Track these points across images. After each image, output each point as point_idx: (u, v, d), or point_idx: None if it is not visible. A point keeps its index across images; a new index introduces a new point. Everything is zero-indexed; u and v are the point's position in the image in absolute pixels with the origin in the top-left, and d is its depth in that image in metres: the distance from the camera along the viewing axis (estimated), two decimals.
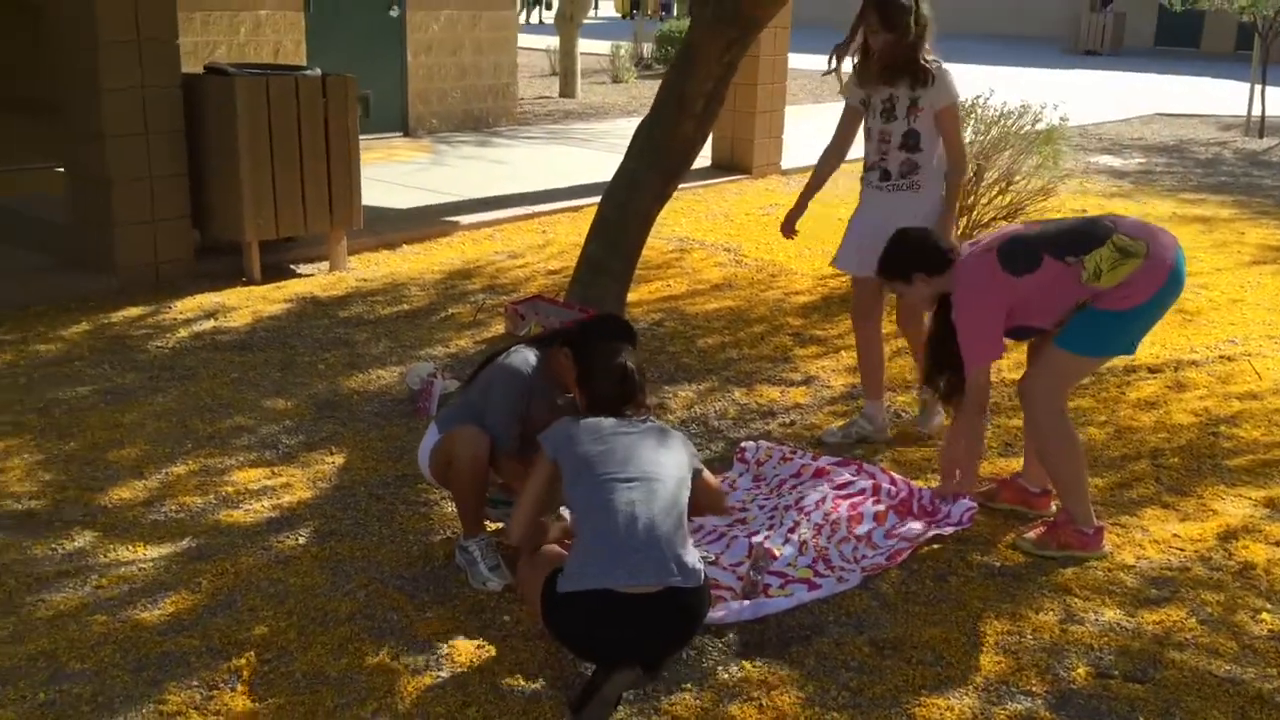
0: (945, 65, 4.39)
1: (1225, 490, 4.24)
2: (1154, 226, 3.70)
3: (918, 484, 4.17)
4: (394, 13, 11.57)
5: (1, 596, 3.37)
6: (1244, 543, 3.85)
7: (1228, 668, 3.17)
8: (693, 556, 2.98)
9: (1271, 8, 13.89)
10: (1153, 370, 5.49)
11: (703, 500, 3.27)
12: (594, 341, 3.45)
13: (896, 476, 4.21)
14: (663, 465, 3.09)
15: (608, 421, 3.20)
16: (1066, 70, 24.22)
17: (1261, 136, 14.24)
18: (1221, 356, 5.69)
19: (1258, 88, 14.37)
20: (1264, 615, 3.43)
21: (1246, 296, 6.78)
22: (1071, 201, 9.56)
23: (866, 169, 4.58)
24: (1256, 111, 14.46)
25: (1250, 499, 4.17)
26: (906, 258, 3.84)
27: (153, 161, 6.36)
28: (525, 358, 3.60)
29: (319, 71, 6.94)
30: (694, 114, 5.63)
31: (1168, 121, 15.94)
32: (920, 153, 4.41)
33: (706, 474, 3.31)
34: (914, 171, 4.43)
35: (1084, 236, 3.59)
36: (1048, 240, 3.63)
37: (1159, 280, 3.54)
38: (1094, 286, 3.54)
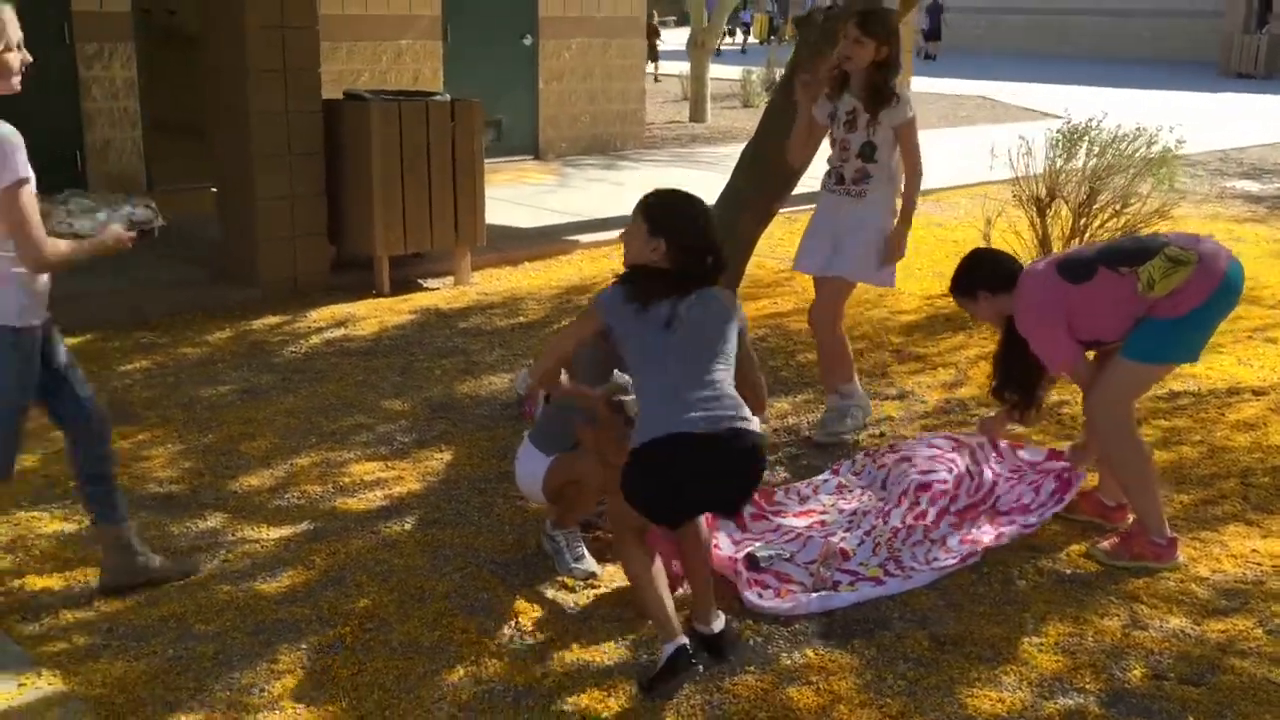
0: (906, 90, 4.72)
1: None
2: (1207, 238, 3.78)
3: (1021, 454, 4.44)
4: (527, 41, 12.05)
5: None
6: None
7: None
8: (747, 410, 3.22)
9: None
10: (1257, 393, 5.44)
11: (744, 365, 3.40)
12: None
13: (995, 449, 4.47)
14: (713, 324, 3.27)
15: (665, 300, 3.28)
16: (1216, 94, 23.49)
17: None
18: None
19: None
20: None
21: None
22: (1202, 225, 9.41)
23: (826, 173, 4.82)
24: None
25: None
26: (972, 275, 3.99)
27: (294, 181, 6.85)
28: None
29: (448, 97, 7.36)
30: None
31: None
32: (874, 164, 4.65)
33: (747, 339, 3.47)
34: (864, 180, 4.68)
35: (1138, 250, 3.71)
36: (1102, 253, 3.78)
37: (1211, 285, 3.62)
38: (1149, 296, 3.63)
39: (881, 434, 5.01)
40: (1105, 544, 3.90)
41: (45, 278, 3.29)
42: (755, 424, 3.22)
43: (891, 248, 4.73)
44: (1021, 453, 4.50)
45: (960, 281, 4.03)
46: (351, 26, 10.63)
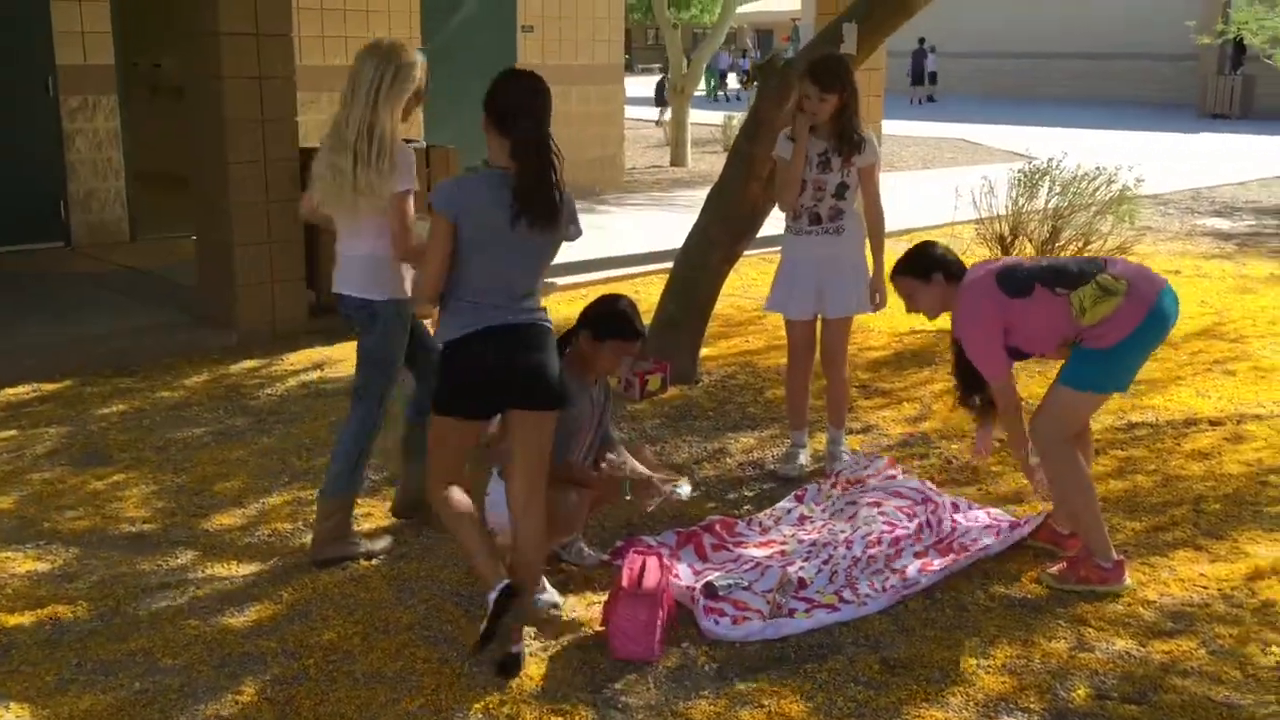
0: (870, 131, 4.96)
1: (1262, 535, 4.33)
2: (1145, 269, 3.90)
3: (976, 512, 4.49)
4: None
5: (110, 604, 3.83)
6: (1269, 583, 3.95)
7: (1227, 694, 3.29)
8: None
9: None
10: (1214, 423, 5.56)
11: None
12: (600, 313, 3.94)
13: (950, 502, 4.54)
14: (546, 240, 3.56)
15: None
16: (1192, 134, 23.85)
17: None
18: None
19: None
20: (1275, 648, 3.53)
21: None
22: (1169, 263, 9.58)
23: (794, 216, 4.94)
24: None
25: None
26: (931, 259, 4.08)
27: (272, 228, 6.97)
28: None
29: (424, 143, 7.51)
30: (760, 178, 5.97)
31: None
32: (846, 201, 4.89)
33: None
34: (839, 216, 4.89)
35: (1078, 273, 3.81)
36: (1041, 271, 3.87)
37: (1138, 318, 3.72)
38: (1079, 323, 3.74)
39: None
40: (1054, 569, 3.97)
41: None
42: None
43: (879, 292, 4.95)
44: (983, 514, 4.54)
45: (917, 262, 4.09)
46: (333, 77, 10.77)
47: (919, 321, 6.63)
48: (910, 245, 4.23)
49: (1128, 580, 3.89)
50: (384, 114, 4.02)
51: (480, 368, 3.45)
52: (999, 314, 3.85)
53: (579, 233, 3.67)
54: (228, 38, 6.69)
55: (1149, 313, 3.74)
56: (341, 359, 6.69)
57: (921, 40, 33.29)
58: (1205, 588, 3.94)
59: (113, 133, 9.47)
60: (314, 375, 6.39)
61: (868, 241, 4.98)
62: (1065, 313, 3.76)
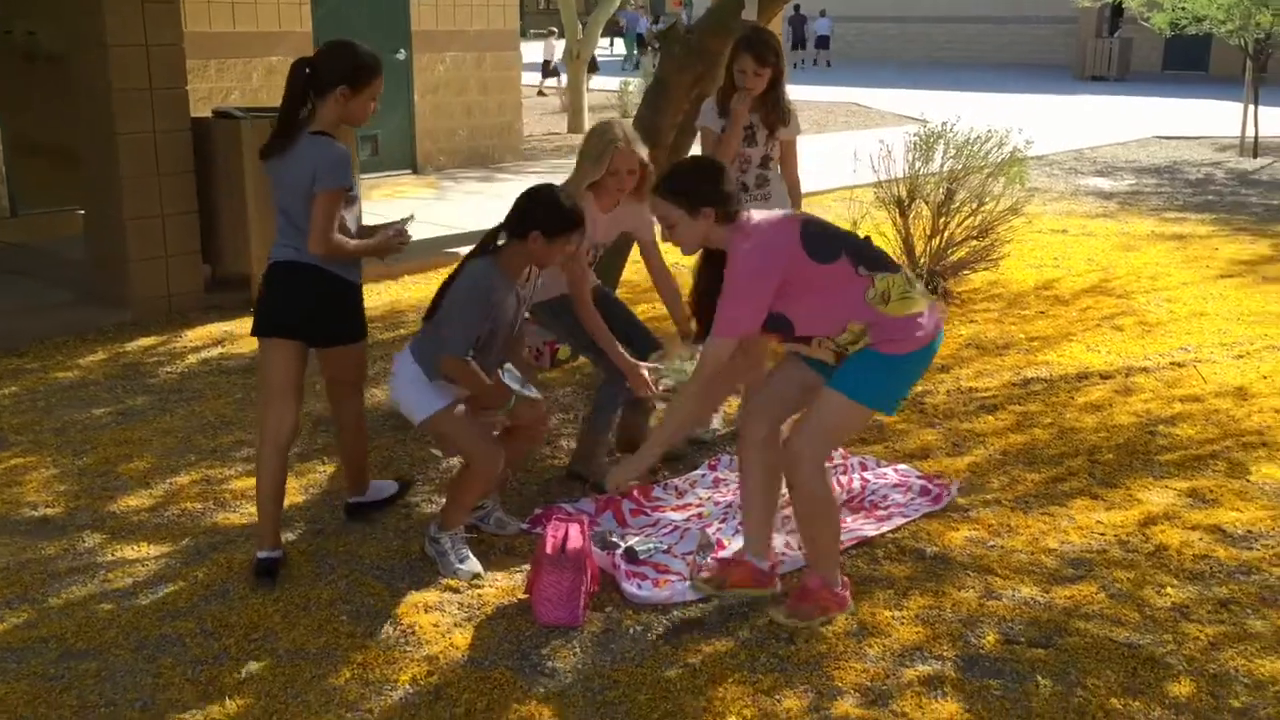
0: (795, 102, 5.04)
1: (1153, 482, 4.53)
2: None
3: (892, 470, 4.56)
4: (400, 56, 12.05)
5: (18, 590, 3.73)
6: (1162, 527, 4.14)
7: (1128, 635, 3.46)
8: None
9: (1261, 31, 14.18)
10: (1104, 376, 5.78)
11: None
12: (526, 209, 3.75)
13: (858, 461, 4.65)
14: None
15: None
16: (1072, 96, 24.53)
17: (1255, 156, 14.49)
18: (1173, 363, 5.98)
19: (1251, 108, 14.63)
20: (1169, 590, 3.72)
21: (1208, 308, 7.06)
22: (1054, 222, 9.89)
23: None
24: (1250, 132, 14.72)
25: (1175, 489, 4.46)
26: (705, 188, 3.42)
27: (164, 201, 6.78)
28: (478, 269, 3.71)
29: None
30: (665, 145, 5.99)
31: (1164, 144, 16.21)
32: (771, 170, 5.01)
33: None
34: (765, 184, 5.00)
35: (883, 259, 3.43)
36: (849, 242, 3.42)
37: (929, 336, 3.39)
38: (877, 310, 3.32)
39: None
40: (784, 606, 3.55)
41: None
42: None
43: None
44: (890, 470, 4.66)
45: (686, 184, 3.44)
46: (220, 43, 10.51)
47: None
48: (683, 161, 3.76)
49: (850, 605, 3.59)
50: None
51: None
52: (784, 268, 3.30)
53: (324, 185, 3.72)
54: (111, 2, 6.45)
55: (932, 342, 3.41)
56: (243, 334, 6.56)
57: (797, 7, 33.60)
58: (1103, 534, 4.11)
59: None
60: (215, 352, 6.26)
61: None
62: (860, 295, 3.32)
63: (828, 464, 4.10)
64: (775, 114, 4.88)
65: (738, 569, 3.64)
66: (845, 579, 3.61)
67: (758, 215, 3.47)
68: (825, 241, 3.37)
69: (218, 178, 6.98)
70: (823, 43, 34.73)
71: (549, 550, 3.56)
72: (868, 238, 3.53)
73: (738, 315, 3.31)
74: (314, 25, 11.19)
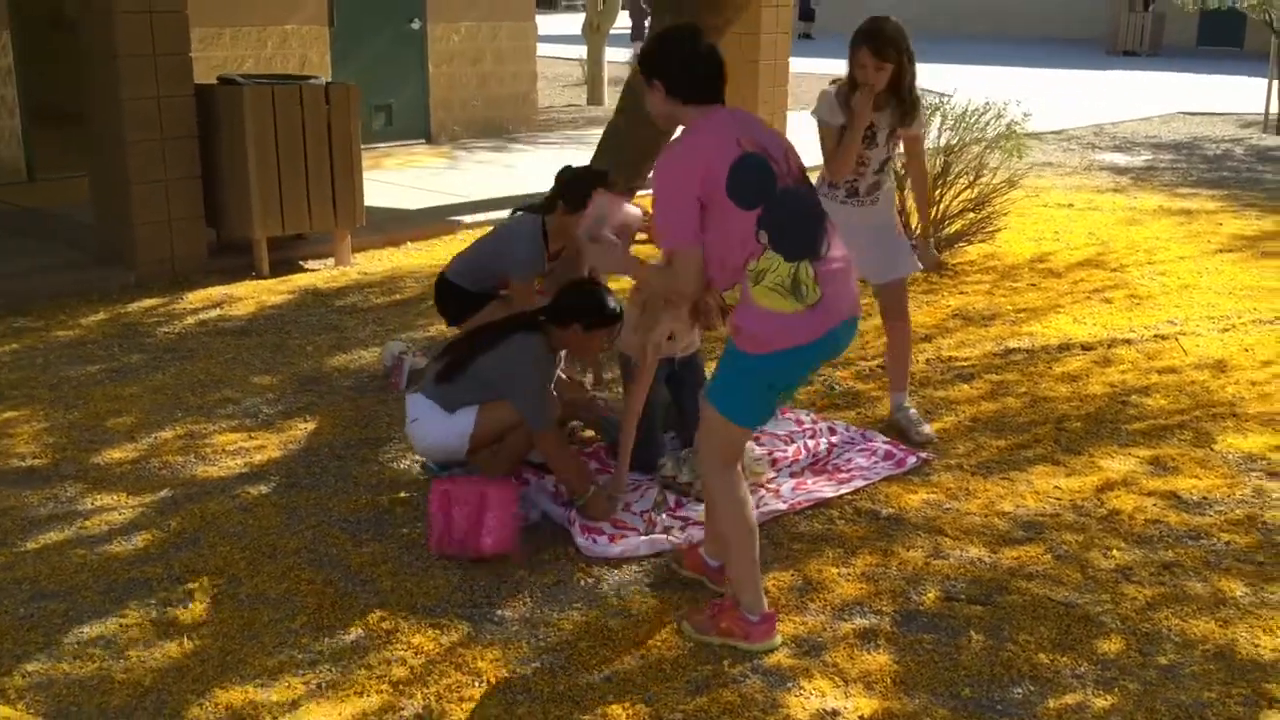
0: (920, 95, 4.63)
1: (1116, 450, 4.58)
2: (851, 291, 3.15)
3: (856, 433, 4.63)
4: (415, 25, 12.12)
5: None
6: (1117, 493, 4.20)
7: (1066, 594, 3.52)
8: None
9: None
10: (1086, 348, 5.82)
11: None
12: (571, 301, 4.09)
13: (827, 426, 4.73)
14: None
15: None
16: (1102, 71, 24.26)
17: (1279, 133, 14.33)
18: (1157, 336, 6.00)
19: (1275, 84, 14.46)
20: (1115, 552, 3.78)
21: (1200, 282, 7.05)
22: (1062, 196, 9.87)
23: (830, 185, 4.62)
24: (1274, 109, 14.55)
25: (1137, 457, 4.51)
26: (658, 57, 3.15)
27: (168, 165, 6.92)
28: (532, 345, 4.02)
29: (324, 80, 7.48)
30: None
31: (1188, 120, 16.04)
32: (885, 174, 4.66)
33: None
34: (877, 189, 4.66)
35: (799, 236, 3.04)
36: (776, 200, 3.02)
37: (797, 338, 3.03)
38: (747, 285, 3.03)
39: None
40: (693, 616, 3.34)
41: None
42: None
43: (926, 253, 4.93)
44: (857, 435, 4.72)
45: (648, 48, 3.21)
46: (234, 11, 10.63)
47: None
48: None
49: (777, 639, 3.24)
50: None
51: None
52: (702, 187, 2.98)
53: None
54: None
55: (814, 343, 3.05)
56: (242, 297, 6.70)
57: None
58: (1058, 499, 4.17)
59: (7, 69, 9.24)
60: (214, 313, 6.40)
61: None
62: (742, 260, 3.03)
63: (785, 434, 4.06)
64: (900, 112, 4.49)
65: (728, 617, 3.26)
66: (770, 613, 3.26)
67: (707, 120, 3.07)
68: (751, 187, 2.98)
69: (221, 143, 7.11)
70: (807, 14, 34.38)
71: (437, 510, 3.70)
72: (817, 215, 3.12)
73: (664, 225, 3.07)
74: None
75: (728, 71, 3.17)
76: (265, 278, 7.12)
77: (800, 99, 18.30)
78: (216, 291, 6.80)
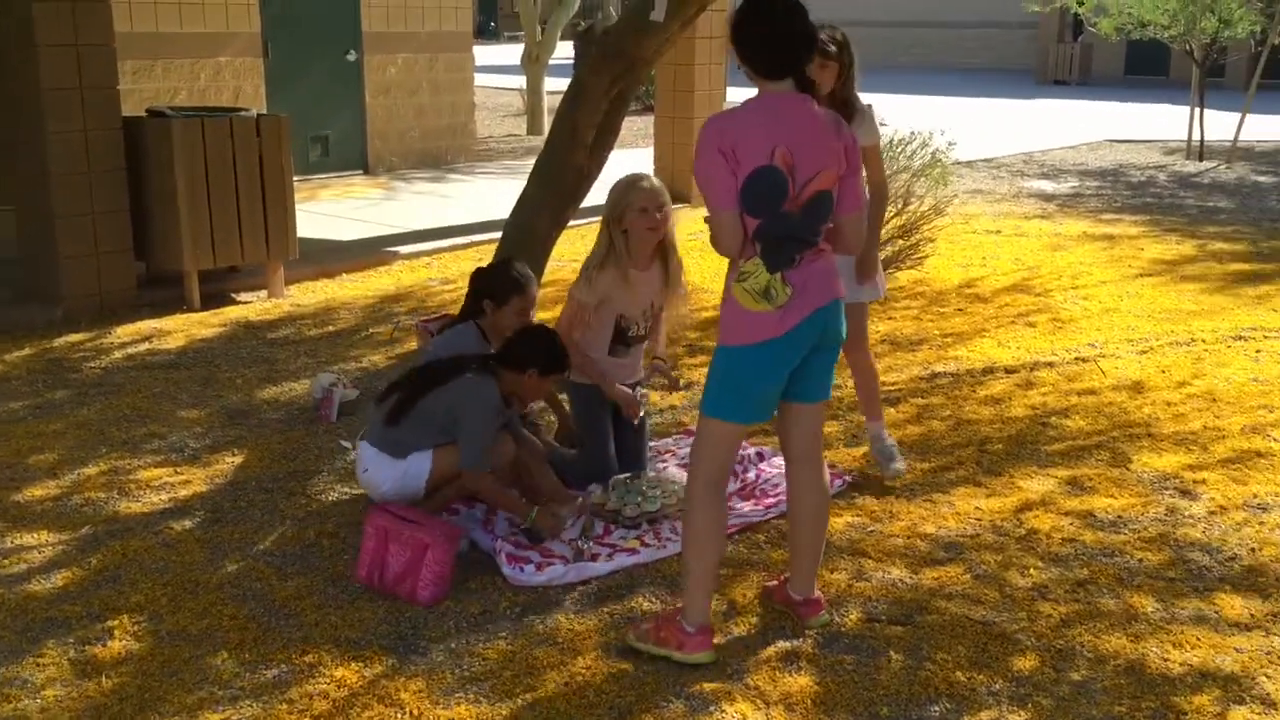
0: (871, 105, 4.56)
1: (1036, 471, 4.68)
2: (830, 279, 3.27)
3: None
4: (351, 57, 12.13)
5: None
6: (1035, 513, 4.29)
7: (984, 613, 3.59)
8: None
9: (1206, 36, 14.39)
10: (1009, 371, 5.94)
11: None
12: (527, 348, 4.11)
13: (755, 452, 4.80)
14: None
15: None
16: (1032, 100, 24.78)
17: (1200, 160, 14.72)
18: (1078, 358, 6.13)
19: (1198, 112, 14.85)
20: (1031, 571, 3.86)
21: (1122, 305, 7.23)
22: (990, 223, 10.06)
23: None
24: (1197, 137, 14.94)
25: (1055, 478, 4.61)
26: (743, 24, 3.21)
27: (95, 198, 6.85)
28: (483, 386, 4.00)
29: (255, 113, 7.46)
30: (584, 144, 6.11)
31: (1115, 147, 16.42)
32: None
33: None
34: None
35: (784, 251, 3.16)
36: (776, 215, 3.13)
37: (768, 331, 3.17)
38: (731, 282, 3.20)
39: (664, 420, 5.32)
40: (638, 626, 3.44)
41: None
42: None
43: (867, 270, 4.53)
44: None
45: (737, 14, 3.23)
46: (166, 44, 10.57)
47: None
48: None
49: (710, 654, 3.29)
50: None
51: None
52: (733, 159, 3.10)
53: None
54: (40, 4, 6.53)
55: (785, 333, 3.18)
56: (172, 330, 6.64)
57: None
58: (979, 520, 4.25)
59: None
60: (142, 348, 6.34)
61: None
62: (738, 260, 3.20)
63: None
64: (843, 113, 4.20)
65: (668, 628, 3.34)
66: (707, 627, 3.31)
67: (766, 105, 3.17)
68: (760, 199, 3.11)
69: (151, 176, 7.06)
70: None
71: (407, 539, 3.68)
72: (807, 241, 3.20)
73: (702, 186, 3.18)
74: (263, 26, 11.26)
75: (793, 54, 3.18)
76: (196, 311, 7.07)
77: None
78: (145, 325, 6.74)
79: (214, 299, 7.28)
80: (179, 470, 4.70)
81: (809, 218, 3.19)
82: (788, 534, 3.69)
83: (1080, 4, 15.90)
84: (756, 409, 3.30)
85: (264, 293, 7.54)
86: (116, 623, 3.53)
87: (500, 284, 4.36)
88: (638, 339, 4.58)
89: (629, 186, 4.38)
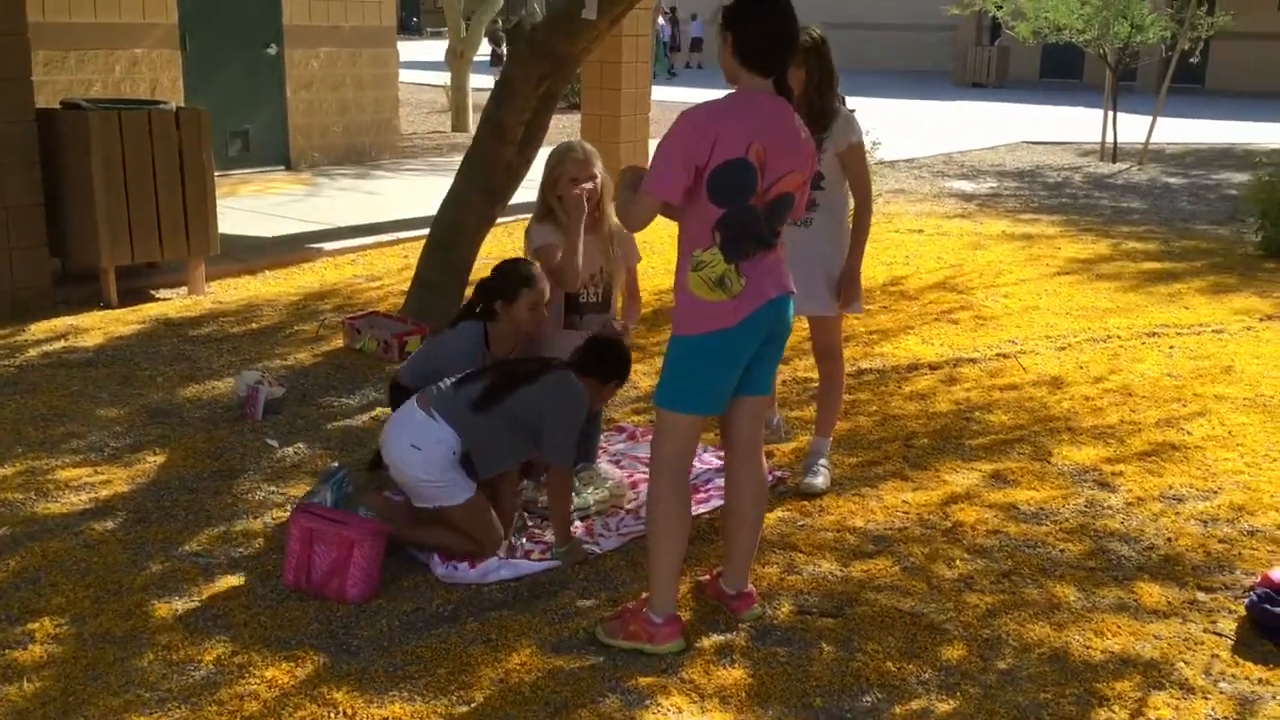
0: (850, 107, 4.45)
1: (960, 464, 4.77)
2: (780, 272, 3.31)
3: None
4: (272, 50, 11.94)
5: None
6: (960, 506, 4.37)
7: (912, 604, 3.66)
8: None
9: (1119, 40, 14.77)
10: (933, 367, 6.04)
11: None
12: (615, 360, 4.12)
13: (699, 449, 4.73)
14: None
15: None
16: (952, 102, 25.23)
17: (1113, 161, 15.10)
18: (998, 355, 6.26)
19: (1111, 115, 15.23)
20: (958, 563, 3.93)
21: (1041, 304, 7.40)
22: (913, 223, 10.22)
23: None
24: (1110, 138, 15.33)
25: (979, 471, 4.70)
26: (737, 9, 3.23)
27: (7, 192, 6.66)
28: (572, 384, 3.93)
29: (174, 105, 7.31)
30: (513, 141, 6.10)
31: (1032, 149, 16.79)
32: (822, 191, 4.32)
33: None
34: (812, 207, 4.27)
35: (746, 241, 3.19)
36: (740, 207, 3.16)
37: (714, 325, 3.20)
38: (687, 271, 3.23)
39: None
40: (608, 622, 3.45)
41: None
42: None
43: (850, 288, 4.44)
44: (713, 456, 4.81)
45: (741, 20, 3.22)
46: (80, 35, 10.32)
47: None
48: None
49: (681, 641, 3.36)
50: None
51: None
52: (694, 157, 3.12)
53: None
54: None
55: (738, 323, 3.20)
56: (89, 328, 6.49)
57: (673, 9, 34.16)
58: (906, 513, 4.32)
59: None
60: (58, 345, 6.18)
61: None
62: (691, 247, 3.22)
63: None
64: (819, 116, 4.24)
65: (635, 620, 3.39)
66: (675, 615, 3.37)
67: (746, 100, 3.18)
68: (726, 190, 3.13)
69: (66, 170, 6.89)
70: (696, 45, 35.54)
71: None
72: (766, 239, 3.23)
73: (653, 166, 3.19)
74: (180, 18, 11.03)
75: (786, 52, 3.22)
76: (114, 308, 6.91)
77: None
78: (61, 323, 6.57)
79: (132, 296, 7.12)
80: (99, 470, 4.60)
81: (771, 217, 3.23)
82: (722, 528, 3.72)
83: (999, 8, 16.23)
84: (713, 399, 3.32)
85: (184, 290, 7.40)
86: (37, 625, 3.44)
87: (509, 282, 4.24)
88: (591, 307, 4.58)
89: (562, 156, 4.46)
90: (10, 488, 4.41)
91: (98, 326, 6.55)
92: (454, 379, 3.94)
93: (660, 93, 14.52)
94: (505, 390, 3.86)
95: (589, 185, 4.43)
